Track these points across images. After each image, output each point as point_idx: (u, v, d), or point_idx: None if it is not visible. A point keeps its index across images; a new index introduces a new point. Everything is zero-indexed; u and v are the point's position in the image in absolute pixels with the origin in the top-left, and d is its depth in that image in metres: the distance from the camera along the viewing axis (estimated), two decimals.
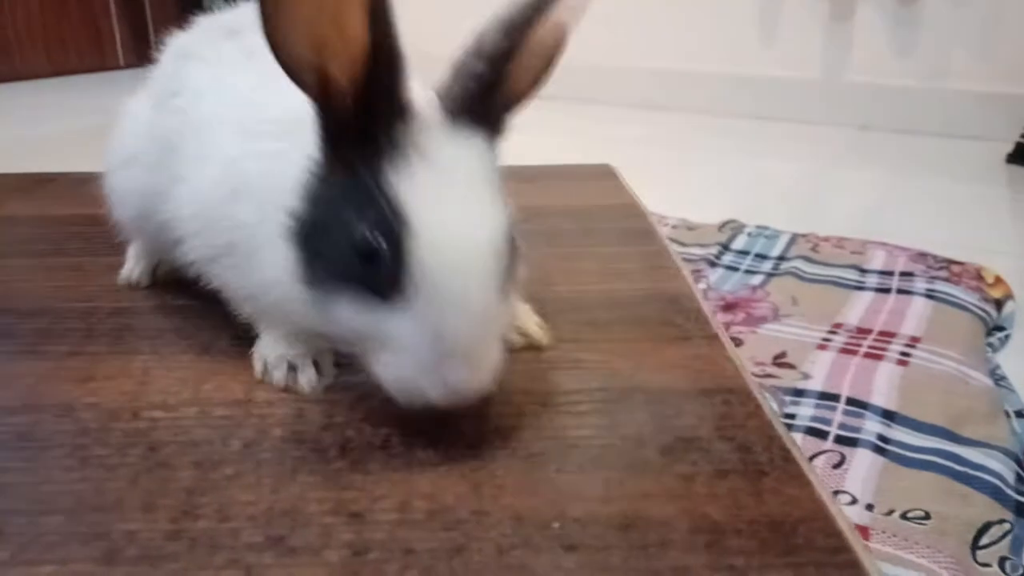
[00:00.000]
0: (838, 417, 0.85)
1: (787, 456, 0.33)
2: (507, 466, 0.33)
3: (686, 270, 0.54)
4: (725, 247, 1.30)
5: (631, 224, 0.62)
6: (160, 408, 0.38)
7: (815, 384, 0.90)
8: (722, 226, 1.40)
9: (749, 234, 1.35)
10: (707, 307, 0.47)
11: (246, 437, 0.36)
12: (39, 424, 0.36)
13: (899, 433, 0.82)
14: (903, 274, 1.17)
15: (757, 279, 1.18)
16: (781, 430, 0.35)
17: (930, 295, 1.10)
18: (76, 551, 0.29)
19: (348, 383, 0.39)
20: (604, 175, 0.77)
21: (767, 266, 1.23)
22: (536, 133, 2.48)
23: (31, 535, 0.30)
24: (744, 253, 1.28)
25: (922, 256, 1.23)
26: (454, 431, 0.35)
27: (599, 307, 0.48)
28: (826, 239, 1.32)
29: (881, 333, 1.01)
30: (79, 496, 0.32)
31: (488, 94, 0.35)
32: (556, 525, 0.29)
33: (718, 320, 0.46)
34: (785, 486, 0.31)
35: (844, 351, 0.97)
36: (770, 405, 0.37)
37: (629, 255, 0.56)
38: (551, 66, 0.38)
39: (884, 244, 1.28)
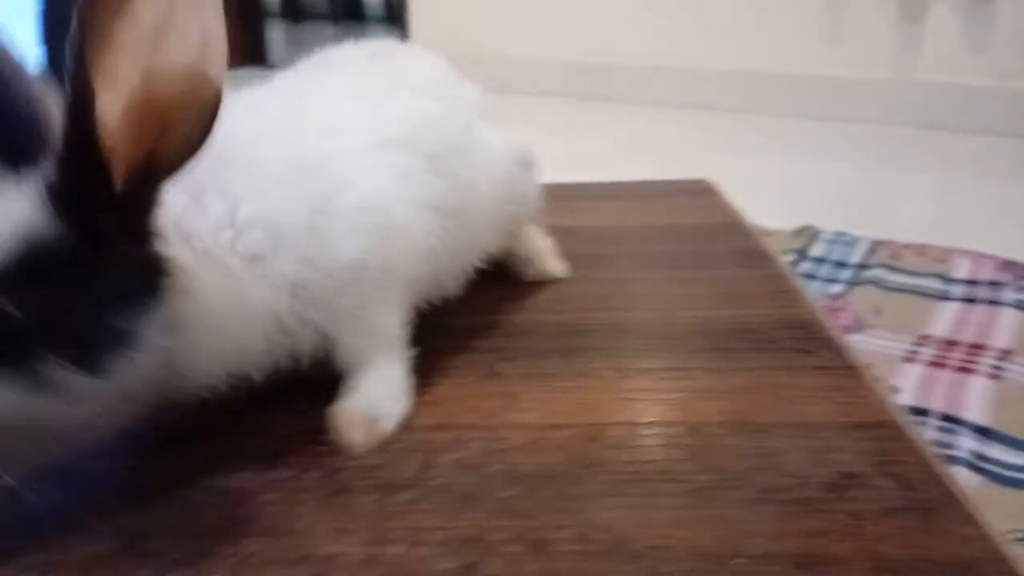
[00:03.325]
0: (930, 433, 0.84)
1: (952, 494, 0.34)
2: (674, 499, 0.34)
3: (807, 294, 0.54)
4: (801, 254, 1.29)
5: (742, 244, 0.63)
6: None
7: (904, 398, 0.89)
8: (798, 232, 1.39)
9: (827, 240, 1.34)
10: (839, 335, 0.48)
11: (417, 463, 0.38)
12: None
13: (995, 450, 0.82)
14: (991, 283, 1.15)
15: (837, 288, 1.17)
16: (942, 467, 0.35)
17: (1021, 306, 1.08)
18: (284, 572, 0.31)
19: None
20: (701, 191, 0.78)
21: (846, 274, 1.22)
22: (590, 136, 2.47)
23: (240, 556, 0.32)
24: (821, 260, 1.27)
25: (1010, 265, 1.21)
26: (615, 461, 0.37)
27: (726, 334, 0.49)
28: (907, 246, 1.31)
29: (971, 346, 1.00)
30: (272, 518, 0.34)
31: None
32: (738, 561, 0.31)
33: (853, 349, 0.47)
34: (957, 526, 0.32)
35: (933, 364, 0.96)
36: (924, 439, 0.38)
37: (749, 279, 0.56)
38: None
39: (968, 252, 1.26)
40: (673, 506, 0.34)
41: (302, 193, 0.36)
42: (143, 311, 0.30)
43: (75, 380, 0.28)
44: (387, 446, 0.39)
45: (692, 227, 0.67)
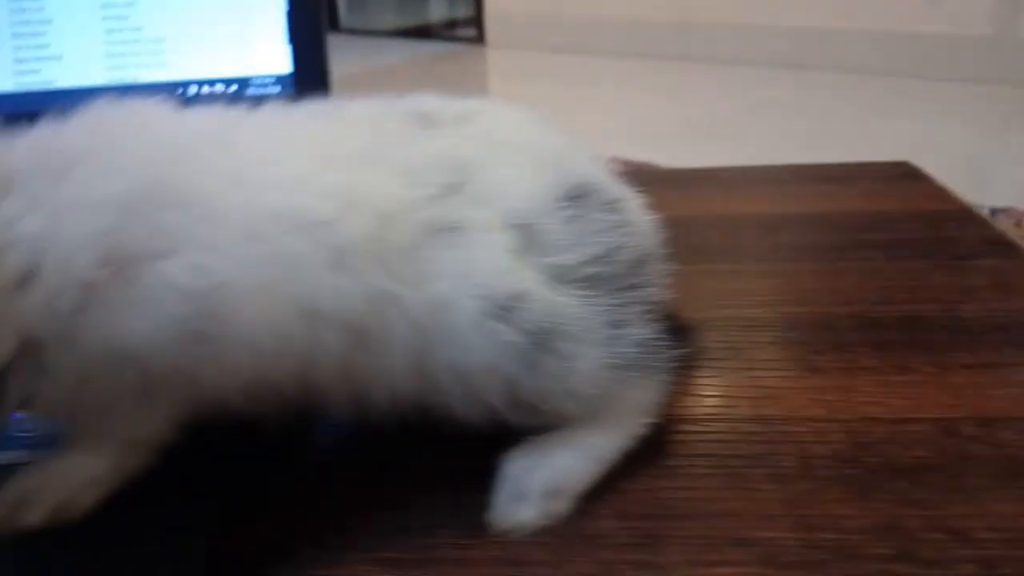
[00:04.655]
0: None
1: None
2: None
3: None
4: None
5: (980, 232, 0.65)
6: (690, 422, 0.44)
7: None
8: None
9: None
10: None
11: (793, 455, 0.42)
12: None
13: None
14: None
15: None
16: None
17: None
18: (735, 555, 0.36)
19: None
20: (905, 175, 0.80)
21: None
22: (674, 97, 2.46)
23: (682, 538, 0.37)
24: None
25: None
26: (983, 456, 0.41)
27: (993, 330, 0.52)
28: None
29: None
30: (691, 504, 0.38)
31: None
32: None
33: None
34: None
35: None
36: None
37: (1001, 269, 0.59)
38: None
39: None
40: None
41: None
42: None
43: None
44: (749, 436, 0.43)
45: (921, 213, 0.69)
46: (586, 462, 0.29)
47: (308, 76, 0.46)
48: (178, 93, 0.45)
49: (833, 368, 0.49)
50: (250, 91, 0.46)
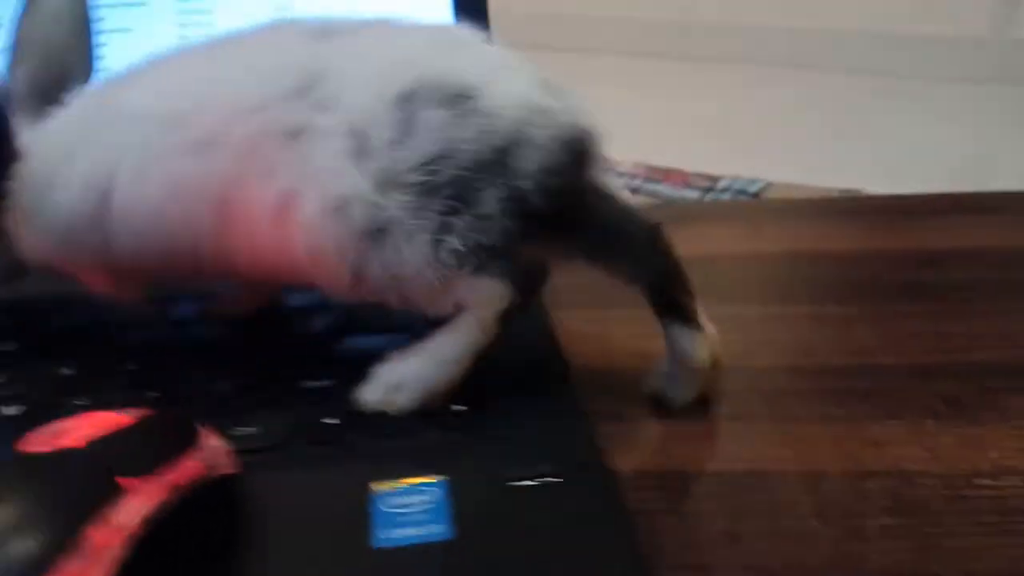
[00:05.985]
0: None
1: None
2: None
3: None
4: None
5: None
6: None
7: None
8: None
9: None
10: None
11: None
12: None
13: None
14: None
15: None
16: None
17: None
18: None
19: None
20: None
21: None
22: (680, 98, 2.42)
23: None
24: None
25: None
26: None
27: None
28: None
29: None
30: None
31: None
32: None
33: None
34: None
35: None
36: None
37: None
38: None
39: None
40: None
41: None
42: None
43: None
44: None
45: None
46: (429, 364, 0.29)
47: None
48: None
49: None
50: None
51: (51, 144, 0.32)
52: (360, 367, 0.31)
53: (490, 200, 0.27)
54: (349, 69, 0.28)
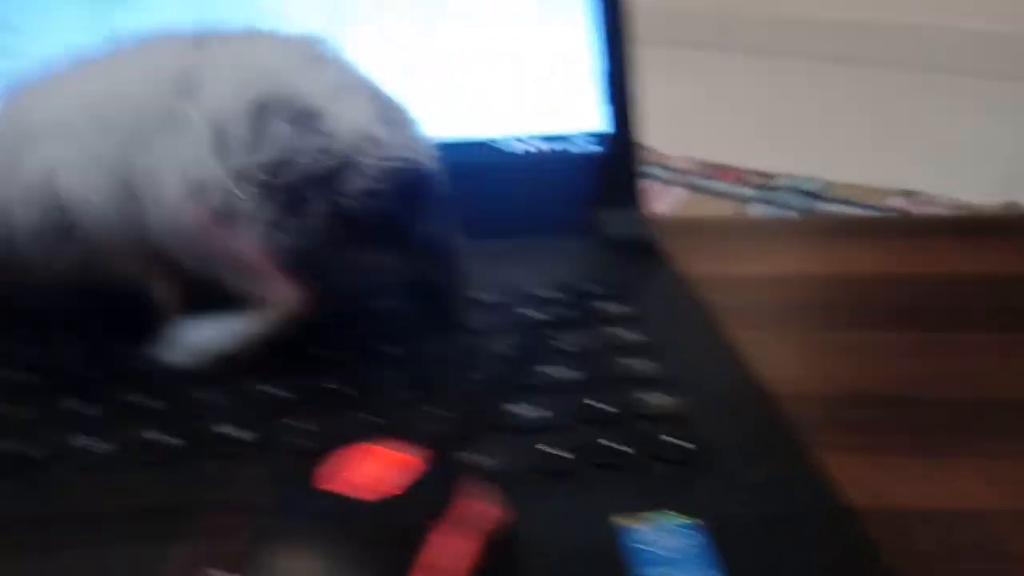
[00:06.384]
0: None
1: None
2: None
3: None
4: None
5: None
6: None
7: None
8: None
9: None
10: None
11: None
12: None
13: None
14: None
15: None
16: None
17: None
18: None
19: None
20: None
21: None
22: (733, 92, 2.38)
23: None
24: None
25: None
26: None
27: None
28: None
29: None
30: None
31: None
32: None
33: None
34: None
35: None
36: None
37: None
38: None
39: None
40: None
41: None
42: None
43: None
44: None
45: None
46: (222, 332, 0.34)
47: (621, 133, 0.45)
48: (498, 148, 0.46)
49: None
50: (568, 148, 0.44)
51: None
52: (554, 392, 0.32)
53: (315, 210, 0.31)
54: (217, 73, 0.32)
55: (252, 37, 0.35)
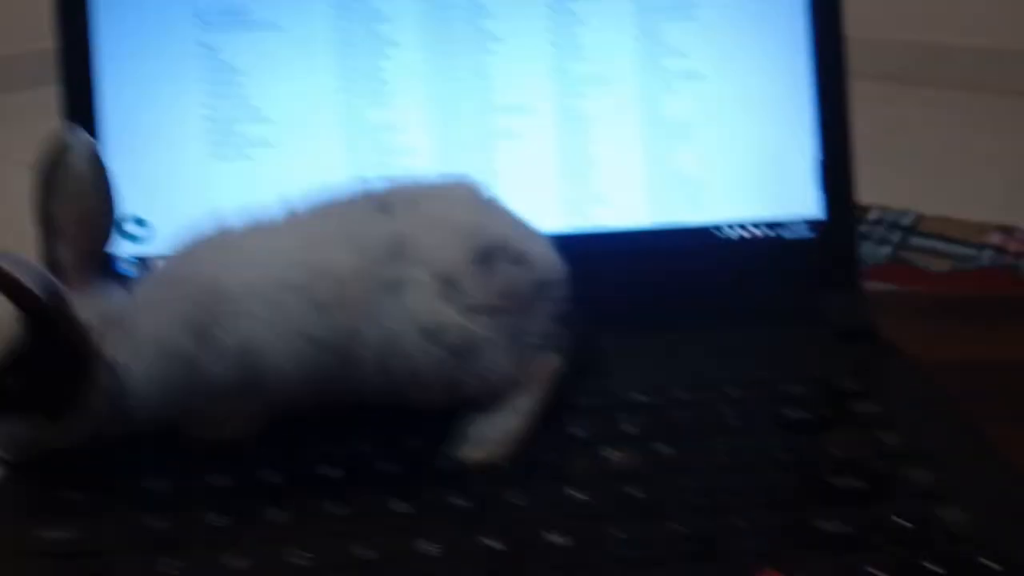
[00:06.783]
0: None
1: None
2: None
3: None
4: None
5: None
6: None
7: None
8: None
9: None
10: None
11: None
12: None
13: None
14: None
15: None
16: None
17: None
18: None
19: None
20: None
21: None
22: None
23: None
24: None
25: None
26: None
27: None
28: None
29: None
30: None
31: None
32: None
33: None
34: None
35: None
36: None
37: None
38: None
39: None
40: None
41: None
42: None
43: None
44: None
45: None
46: (511, 417, 0.39)
47: (839, 222, 0.45)
48: (715, 234, 0.44)
49: None
50: (784, 234, 0.45)
51: (158, 326, 0.37)
52: (845, 504, 0.32)
53: (540, 313, 0.40)
54: (428, 234, 0.38)
55: (429, 194, 0.41)
